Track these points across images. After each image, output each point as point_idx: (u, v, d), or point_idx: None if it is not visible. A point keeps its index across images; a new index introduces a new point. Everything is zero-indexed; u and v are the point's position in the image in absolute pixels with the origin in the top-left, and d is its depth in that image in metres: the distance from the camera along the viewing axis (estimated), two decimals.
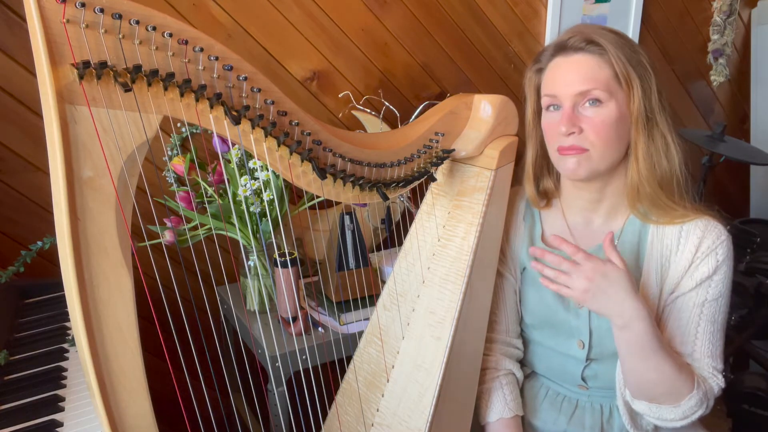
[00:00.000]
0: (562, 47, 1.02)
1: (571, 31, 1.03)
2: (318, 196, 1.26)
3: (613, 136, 1.00)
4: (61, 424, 0.91)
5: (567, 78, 1.00)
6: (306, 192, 1.28)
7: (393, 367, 1.11)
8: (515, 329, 1.18)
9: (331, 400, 1.17)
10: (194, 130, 1.34)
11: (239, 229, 1.29)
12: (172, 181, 1.36)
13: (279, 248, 1.32)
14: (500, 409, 1.12)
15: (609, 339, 1.06)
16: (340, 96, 1.61)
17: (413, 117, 1.50)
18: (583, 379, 1.12)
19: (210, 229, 1.31)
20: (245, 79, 0.78)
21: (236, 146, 1.24)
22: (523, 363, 1.22)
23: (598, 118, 0.98)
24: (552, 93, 1.02)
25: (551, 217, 1.16)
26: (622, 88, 0.99)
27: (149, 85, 0.72)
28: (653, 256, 1.04)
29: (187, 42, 0.72)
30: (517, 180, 1.16)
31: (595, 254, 1.07)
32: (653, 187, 1.01)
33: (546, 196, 1.16)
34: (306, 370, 1.25)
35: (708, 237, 1.01)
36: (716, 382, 1.01)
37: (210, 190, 1.31)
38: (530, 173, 1.14)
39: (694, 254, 1.02)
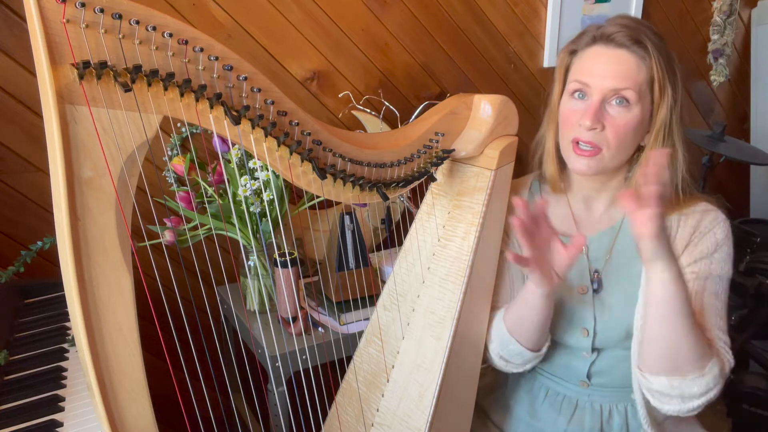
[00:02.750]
0: (605, 38, 1.01)
1: (618, 24, 1.01)
2: (318, 196, 1.26)
3: (629, 140, 1.01)
4: (61, 424, 0.91)
5: (605, 70, 0.99)
6: (306, 192, 1.28)
7: (393, 367, 1.11)
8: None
9: (331, 400, 1.17)
10: (194, 130, 1.34)
11: (239, 229, 1.29)
12: (172, 181, 1.36)
13: (279, 248, 1.32)
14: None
15: (614, 328, 1.07)
16: (340, 96, 1.61)
17: (413, 117, 1.50)
18: (588, 376, 1.11)
19: (210, 229, 1.31)
20: (245, 79, 0.78)
21: (236, 146, 1.24)
22: None
23: (622, 120, 0.99)
24: (585, 81, 1.01)
25: (555, 204, 1.16)
26: (651, 94, 1.00)
27: (149, 85, 0.72)
28: None
29: (187, 42, 0.72)
30: (516, 175, 1.16)
31: (598, 240, 1.09)
32: None
33: (560, 179, 1.15)
34: (306, 370, 1.25)
35: (705, 218, 1.03)
36: (728, 358, 0.97)
37: (210, 190, 1.31)
38: (552, 154, 1.12)
39: (691, 234, 1.03)
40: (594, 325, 1.09)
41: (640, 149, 1.06)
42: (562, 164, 1.13)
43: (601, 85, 0.99)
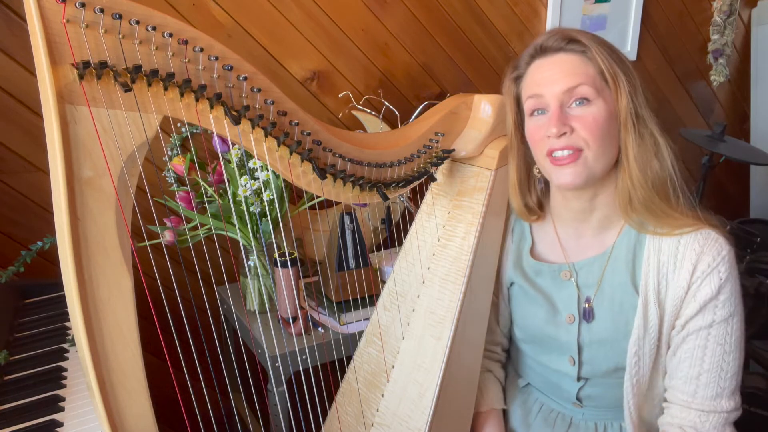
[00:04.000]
0: (540, 50, 0.99)
1: (548, 34, 1.00)
2: (318, 196, 1.26)
3: (606, 136, 0.95)
4: (61, 424, 0.91)
5: (551, 77, 0.96)
6: (306, 192, 1.28)
7: (393, 367, 1.11)
8: (497, 340, 1.19)
9: (331, 400, 1.17)
10: (194, 130, 1.34)
11: (239, 229, 1.29)
12: (172, 181, 1.36)
13: (279, 248, 1.32)
14: (478, 403, 1.14)
15: (601, 357, 1.03)
16: (340, 96, 1.61)
17: (413, 117, 1.50)
18: (578, 399, 1.09)
19: (210, 229, 1.31)
20: (245, 79, 0.78)
21: (236, 146, 1.24)
22: (518, 374, 1.20)
23: (589, 116, 0.94)
24: (536, 93, 0.98)
25: (542, 229, 1.12)
26: (608, 86, 0.95)
27: (149, 85, 0.72)
28: (650, 275, 0.99)
29: (187, 42, 0.72)
30: None
31: (588, 266, 1.05)
32: (646, 191, 0.95)
33: (534, 212, 1.11)
34: (306, 370, 1.25)
35: (707, 254, 0.95)
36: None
37: (210, 190, 1.31)
38: (516, 188, 1.08)
39: (692, 274, 0.96)
40: (579, 356, 1.04)
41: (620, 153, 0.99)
42: (538, 195, 1.10)
43: (554, 91, 0.95)
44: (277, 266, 1.24)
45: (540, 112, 0.99)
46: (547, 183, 1.10)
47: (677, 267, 0.97)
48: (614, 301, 1.02)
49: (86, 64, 0.67)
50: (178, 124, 1.33)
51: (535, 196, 1.10)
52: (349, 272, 1.36)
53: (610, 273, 1.03)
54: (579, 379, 1.06)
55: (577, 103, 0.95)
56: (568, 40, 0.97)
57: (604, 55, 0.95)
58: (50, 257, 1.35)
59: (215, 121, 0.78)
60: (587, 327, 1.04)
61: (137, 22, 0.68)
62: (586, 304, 1.04)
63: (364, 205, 1.42)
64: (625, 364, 1.01)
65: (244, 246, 1.33)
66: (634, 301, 1.00)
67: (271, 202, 1.28)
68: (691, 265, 0.96)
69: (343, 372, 1.19)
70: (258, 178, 1.28)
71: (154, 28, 0.70)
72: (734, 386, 0.98)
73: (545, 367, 1.11)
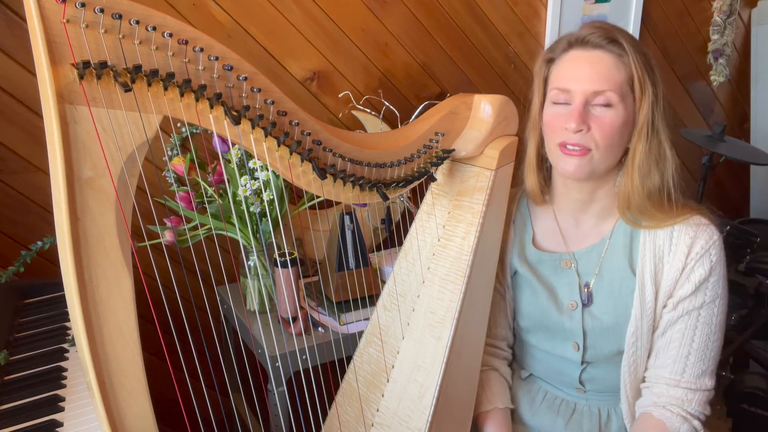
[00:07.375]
0: (581, 41, 1.00)
1: (592, 27, 1.01)
2: (318, 196, 1.26)
3: (617, 140, 0.99)
4: (61, 424, 0.91)
5: (583, 73, 0.98)
6: (306, 192, 1.28)
7: (393, 367, 1.11)
8: (502, 334, 1.18)
9: (331, 400, 1.17)
10: (194, 130, 1.34)
11: (239, 229, 1.29)
12: (172, 181, 1.36)
13: (279, 248, 1.32)
14: (481, 402, 1.12)
15: (604, 341, 1.07)
16: (340, 96, 1.61)
17: (413, 117, 1.50)
18: (580, 382, 1.12)
19: (210, 229, 1.31)
20: (245, 79, 0.78)
21: (236, 146, 1.24)
22: (521, 365, 1.22)
23: (607, 119, 0.97)
24: (565, 87, 1.00)
25: (542, 218, 1.15)
26: (633, 93, 0.98)
27: (149, 85, 0.72)
28: (647, 258, 1.03)
29: (187, 42, 0.72)
30: (514, 182, 1.16)
31: (587, 254, 1.09)
32: (642, 199, 1.01)
33: (545, 191, 1.14)
34: (306, 370, 1.25)
35: (700, 238, 1.00)
36: (699, 413, 1.02)
37: (210, 190, 1.31)
38: (533, 165, 1.11)
39: (687, 256, 1.01)
40: (584, 341, 1.08)
41: (627, 153, 1.03)
42: (544, 177, 1.12)
43: (582, 89, 0.98)
44: (277, 266, 1.24)
45: (563, 103, 1.01)
46: (550, 170, 1.13)
47: (672, 250, 1.02)
48: (613, 286, 1.07)
49: (86, 64, 0.67)
50: (178, 124, 1.33)
51: (542, 175, 1.13)
52: (349, 272, 1.36)
53: (609, 259, 1.07)
54: (583, 362, 1.10)
55: (601, 104, 0.98)
56: (610, 40, 0.98)
57: (640, 64, 0.97)
58: (50, 257, 1.35)
59: (215, 121, 0.78)
60: (590, 312, 1.08)
61: (137, 22, 0.68)
62: (585, 289, 1.08)
63: (364, 205, 1.42)
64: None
65: (244, 246, 1.33)
66: (632, 285, 1.04)
67: (271, 202, 1.28)
68: (686, 247, 1.01)
69: (343, 372, 1.19)
70: (258, 178, 1.28)
71: (154, 28, 0.70)
72: (715, 366, 1.03)
73: (548, 353, 1.14)
